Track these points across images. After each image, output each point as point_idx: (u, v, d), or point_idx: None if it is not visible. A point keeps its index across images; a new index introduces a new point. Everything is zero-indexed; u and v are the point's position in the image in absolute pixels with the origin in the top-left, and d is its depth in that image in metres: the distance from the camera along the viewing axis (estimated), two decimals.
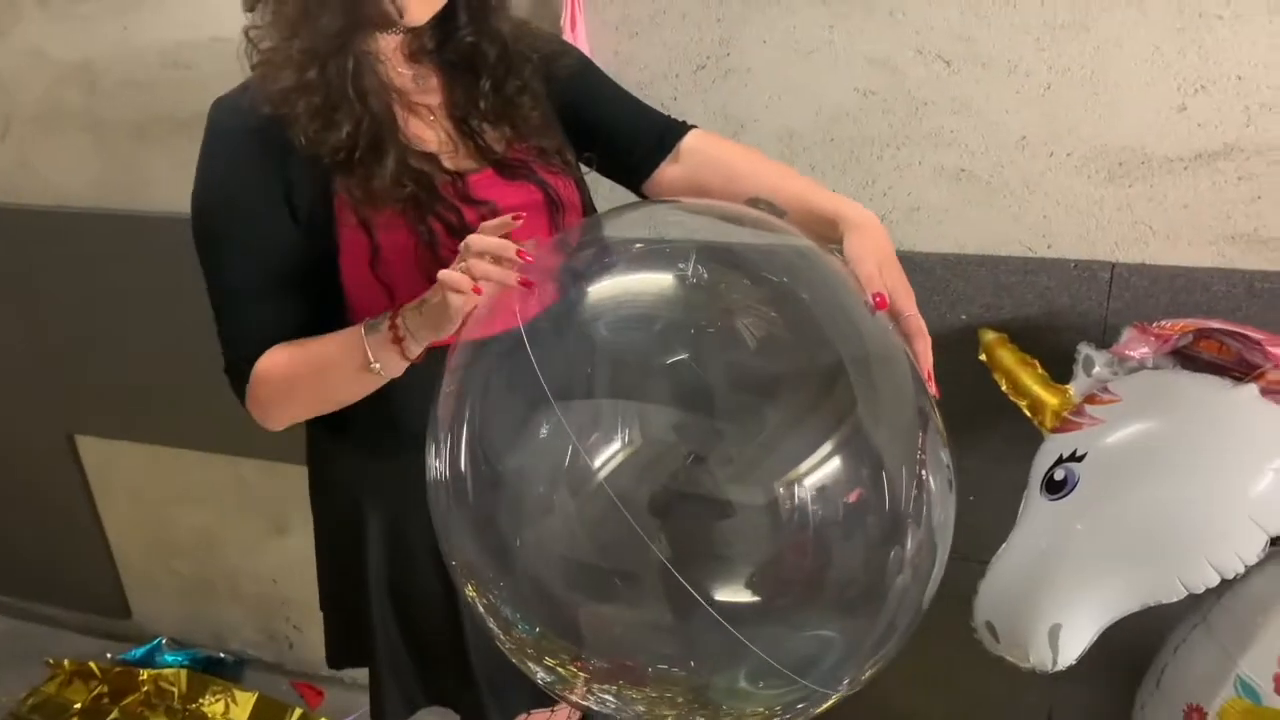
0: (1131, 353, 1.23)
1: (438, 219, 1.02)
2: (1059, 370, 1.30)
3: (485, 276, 0.85)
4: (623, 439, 0.76)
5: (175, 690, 2.17)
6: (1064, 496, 1.18)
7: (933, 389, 0.87)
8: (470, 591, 0.85)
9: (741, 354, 0.81)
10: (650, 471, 0.76)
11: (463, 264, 0.86)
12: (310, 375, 1.00)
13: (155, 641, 2.37)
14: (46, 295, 2.08)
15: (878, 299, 0.87)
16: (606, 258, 0.88)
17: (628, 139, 1.12)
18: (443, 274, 0.86)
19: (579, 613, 0.80)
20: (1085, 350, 1.27)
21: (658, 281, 0.85)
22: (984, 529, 1.53)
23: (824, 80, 1.41)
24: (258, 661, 2.32)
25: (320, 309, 1.03)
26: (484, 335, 0.83)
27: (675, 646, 0.77)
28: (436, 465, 0.86)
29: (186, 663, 2.26)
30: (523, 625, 0.82)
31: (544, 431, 0.77)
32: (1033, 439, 1.28)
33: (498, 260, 0.85)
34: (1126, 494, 1.13)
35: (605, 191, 1.20)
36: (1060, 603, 1.15)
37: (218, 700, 2.15)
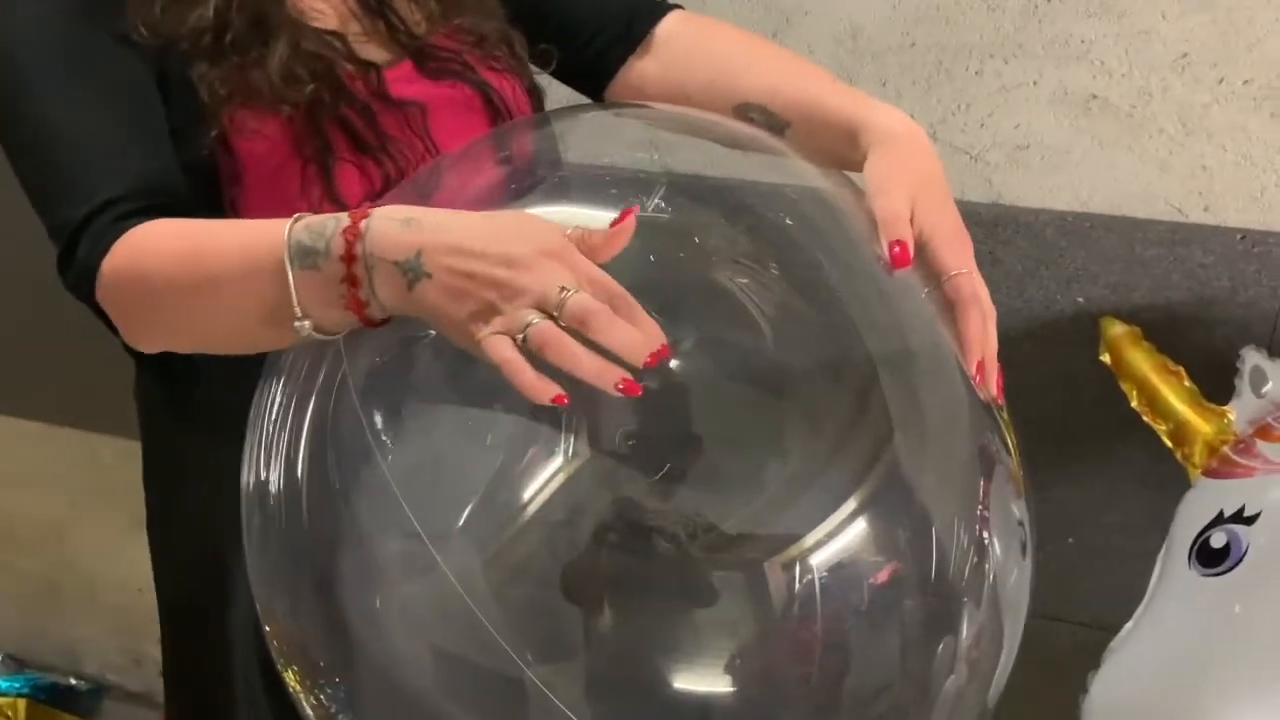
0: None
1: (340, 125, 0.89)
2: (1214, 383, 1.23)
3: (572, 367, 0.63)
4: (550, 462, 0.67)
5: None
6: (1225, 571, 1.10)
7: (992, 390, 0.78)
8: (292, 681, 0.76)
9: (726, 344, 0.74)
10: (576, 517, 0.68)
11: (535, 319, 0.64)
12: (192, 288, 0.77)
13: None
14: None
15: (895, 250, 0.76)
16: (537, 183, 0.80)
17: (587, 25, 1.03)
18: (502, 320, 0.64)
19: None
20: (1253, 358, 1.21)
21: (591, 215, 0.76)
22: (1083, 581, 1.44)
23: None
24: (119, 690, 2.25)
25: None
26: None
27: None
28: (258, 467, 0.76)
29: (27, 690, 2.16)
30: None
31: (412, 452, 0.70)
32: (1165, 470, 1.25)
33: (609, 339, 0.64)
34: None
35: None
36: (1209, 716, 1.08)
37: None
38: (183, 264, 0.76)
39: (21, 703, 2.08)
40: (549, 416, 0.66)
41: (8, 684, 2.16)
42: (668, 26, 1.03)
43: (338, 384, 0.72)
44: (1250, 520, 1.09)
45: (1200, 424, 1.19)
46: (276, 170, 0.88)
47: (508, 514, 0.67)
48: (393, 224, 0.66)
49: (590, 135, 0.88)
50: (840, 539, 0.69)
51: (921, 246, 0.79)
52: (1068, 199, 1.35)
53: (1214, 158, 1.29)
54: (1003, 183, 1.37)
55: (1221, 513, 1.11)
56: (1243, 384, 1.19)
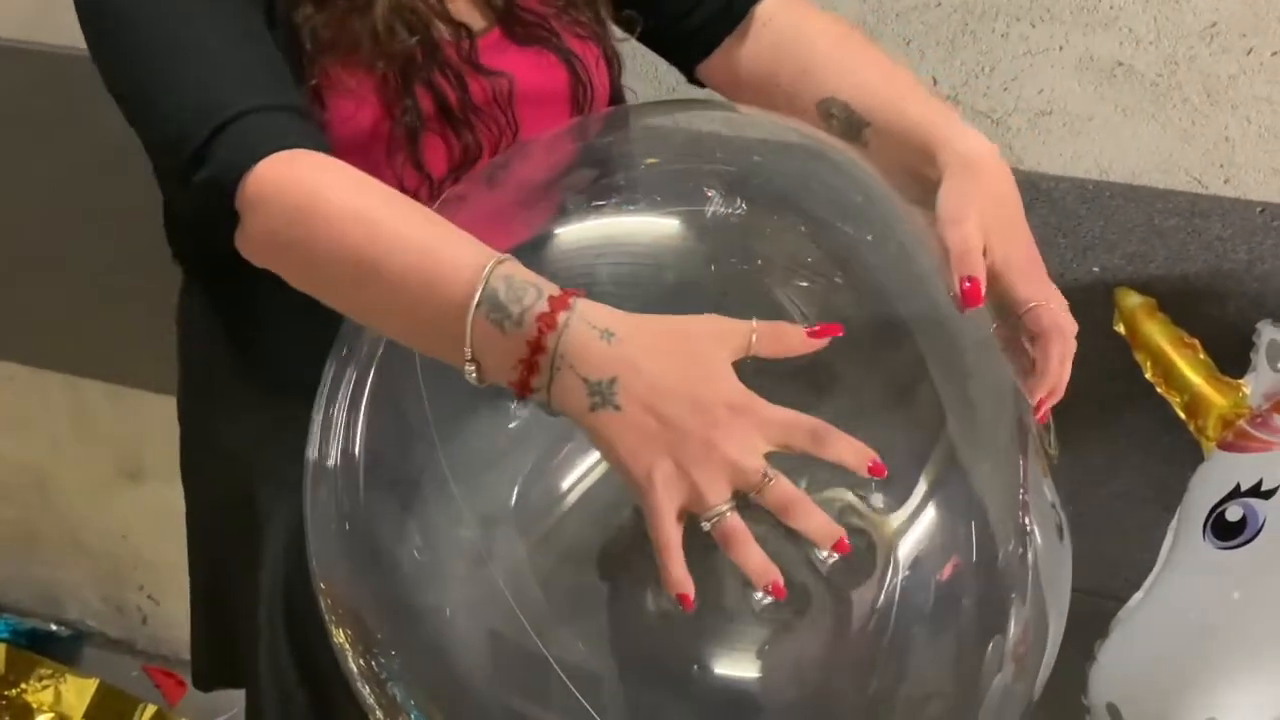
0: None
1: (430, 91, 0.88)
2: (1228, 356, 1.26)
3: (743, 562, 0.62)
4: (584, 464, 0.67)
5: None
6: (1241, 545, 1.11)
7: (1042, 414, 0.78)
8: (342, 639, 0.76)
9: None
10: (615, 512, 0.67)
11: (726, 510, 0.62)
12: (358, 267, 0.71)
13: None
14: None
15: (966, 286, 0.75)
16: (604, 178, 0.81)
17: None
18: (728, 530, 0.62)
19: None
20: (1270, 332, 1.23)
21: (663, 219, 0.77)
22: (1086, 550, 1.44)
23: None
24: (100, 637, 2.24)
25: None
26: None
27: None
28: (324, 442, 0.77)
29: (7, 635, 2.14)
30: (418, 717, 0.73)
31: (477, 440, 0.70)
32: (1170, 441, 1.28)
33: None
34: None
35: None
36: (1220, 690, 1.11)
37: (45, 687, 2.04)
38: (358, 235, 0.71)
39: (0, 647, 2.04)
40: None
41: None
42: (767, 8, 1.01)
43: (399, 365, 0.72)
44: (1268, 494, 1.10)
45: (1215, 397, 1.20)
46: (367, 132, 0.87)
47: (559, 499, 0.67)
48: (593, 334, 0.63)
49: (666, 134, 0.87)
50: (911, 535, 0.68)
51: (996, 278, 0.78)
52: (1088, 167, 1.34)
53: (1237, 129, 1.28)
54: (1023, 148, 1.35)
55: (1238, 486, 1.12)
56: (1259, 358, 1.20)
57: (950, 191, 0.81)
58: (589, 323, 0.63)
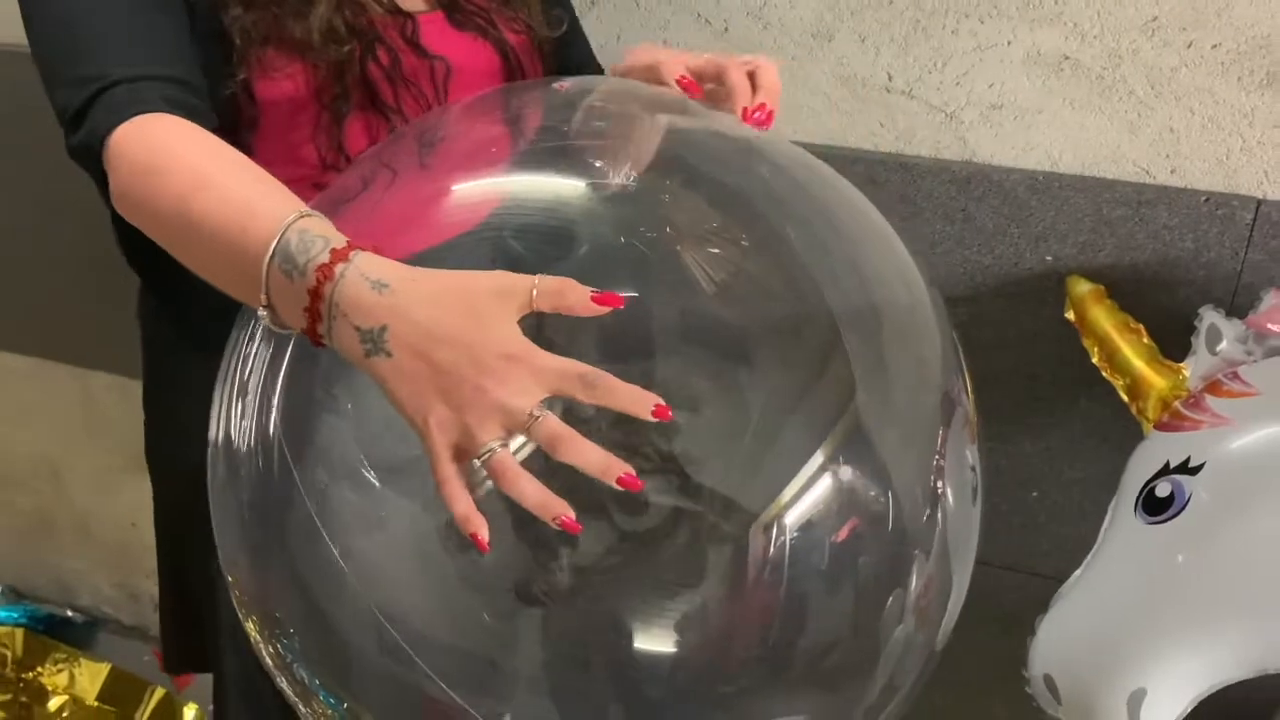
0: (1275, 326, 1.17)
1: (362, 80, 0.91)
2: (1172, 341, 1.24)
3: (518, 496, 0.63)
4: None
5: (8, 654, 2.09)
6: (1168, 519, 1.12)
7: (754, 120, 0.85)
8: (253, 629, 0.77)
9: (691, 306, 0.72)
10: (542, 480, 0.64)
11: (496, 445, 0.63)
12: (187, 210, 0.74)
13: None
14: None
15: (685, 85, 0.87)
16: (499, 149, 0.82)
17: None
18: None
19: (404, 695, 0.72)
20: (1210, 317, 1.22)
21: (563, 187, 0.77)
22: (1046, 534, 1.47)
23: None
24: (113, 623, 2.28)
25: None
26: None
27: None
28: (224, 420, 0.77)
29: (25, 620, 2.19)
30: (325, 697, 0.74)
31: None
32: (1126, 426, 1.25)
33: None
34: (1255, 525, 1.08)
35: None
36: (1149, 661, 1.10)
37: (60, 670, 2.08)
38: (191, 193, 0.74)
39: (19, 632, 2.09)
40: None
41: (5, 614, 2.18)
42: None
43: (298, 342, 0.72)
44: (1194, 471, 1.09)
45: (1155, 379, 1.20)
46: (292, 114, 0.89)
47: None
48: (364, 284, 0.64)
49: (573, 106, 0.87)
50: (802, 503, 0.68)
51: (659, 66, 0.89)
52: (1039, 158, 1.35)
53: (1181, 121, 1.29)
54: (976, 141, 1.36)
55: (1168, 463, 1.11)
56: (1199, 341, 1.19)
57: (634, 64, 0.93)
58: (363, 274, 0.65)
